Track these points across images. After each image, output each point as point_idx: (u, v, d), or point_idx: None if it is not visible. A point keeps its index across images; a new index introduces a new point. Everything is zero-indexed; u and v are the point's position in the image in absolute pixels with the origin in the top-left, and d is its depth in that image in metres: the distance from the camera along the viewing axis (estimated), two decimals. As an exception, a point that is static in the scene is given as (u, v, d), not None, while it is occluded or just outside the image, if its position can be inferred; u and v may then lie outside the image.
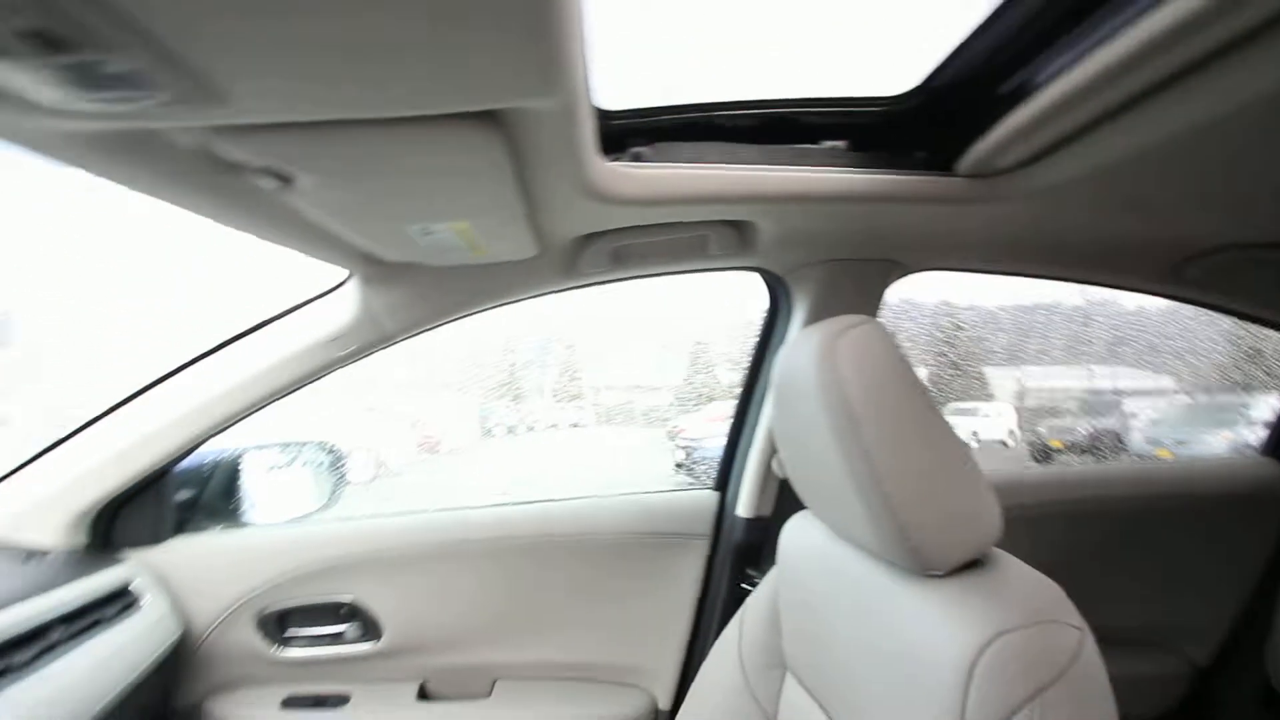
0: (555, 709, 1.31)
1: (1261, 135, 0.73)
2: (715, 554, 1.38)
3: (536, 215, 0.84)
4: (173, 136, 0.55)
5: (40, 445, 1.13)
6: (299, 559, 1.27)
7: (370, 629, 1.31)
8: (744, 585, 1.31)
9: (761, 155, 0.89)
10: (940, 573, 0.64)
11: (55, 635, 0.92)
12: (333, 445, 1.34)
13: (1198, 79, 0.60)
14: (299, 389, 1.17)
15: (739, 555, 1.33)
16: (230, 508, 1.28)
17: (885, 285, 1.22)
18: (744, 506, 1.33)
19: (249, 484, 1.29)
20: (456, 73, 0.46)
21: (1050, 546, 0.85)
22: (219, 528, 1.29)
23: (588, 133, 0.66)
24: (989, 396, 6.63)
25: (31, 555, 1.05)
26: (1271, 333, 1.47)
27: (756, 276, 1.29)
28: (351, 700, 1.29)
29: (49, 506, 1.10)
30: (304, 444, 1.33)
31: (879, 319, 1.19)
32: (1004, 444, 6.18)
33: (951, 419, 0.68)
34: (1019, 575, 0.65)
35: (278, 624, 1.29)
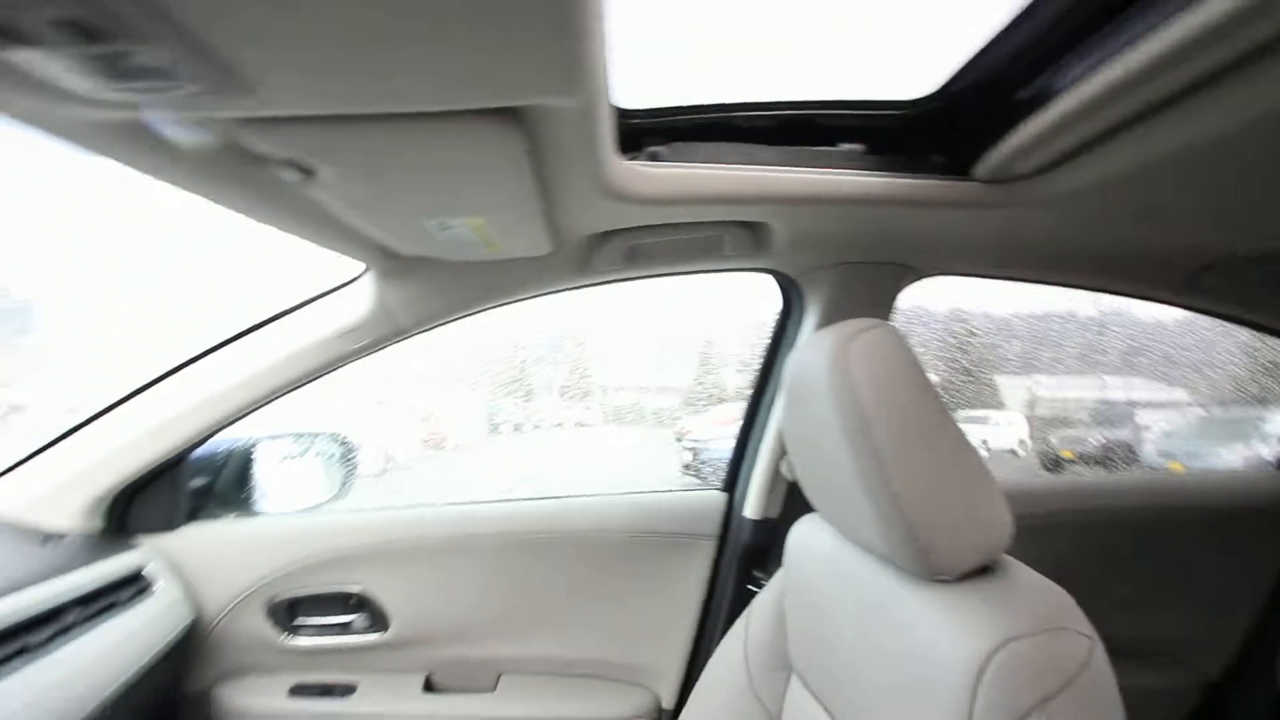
0: (559, 705, 1.31)
1: None
2: (722, 555, 1.39)
3: (552, 212, 0.85)
4: (198, 127, 0.56)
5: (58, 430, 1.14)
6: (309, 549, 1.29)
7: (378, 620, 1.32)
8: (750, 587, 1.31)
9: (778, 157, 0.89)
10: (949, 578, 0.64)
11: (70, 617, 0.94)
12: (344, 437, 1.35)
13: (1217, 88, 0.60)
14: (313, 380, 1.19)
15: (746, 556, 1.33)
16: (243, 496, 1.29)
17: (898, 289, 1.22)
18: (752, 508, 1.33)
19: (262, 473, 1.30)
20: (481, 69, 0.46)
21: (1059, 556, 0.85)
22: (231, 516, 1.30)
23: (606, 131, 0.66)
24: (1000, 405, 6.58)
25: (49, 538, 1.07)
26: (1290, 345, 1.45)
27: (769, 278, 1.29)
28: (358, 690, 1.30)
29: (66, 491, 1.12)
30: (316, 435, 1.35)
31: (891, 323, 1.19)
32: (1014, 453, 6.12)
33: (962, 427, 0.68)
34: (1029, 582, 0.64)
35: (287, 612, 1.30)
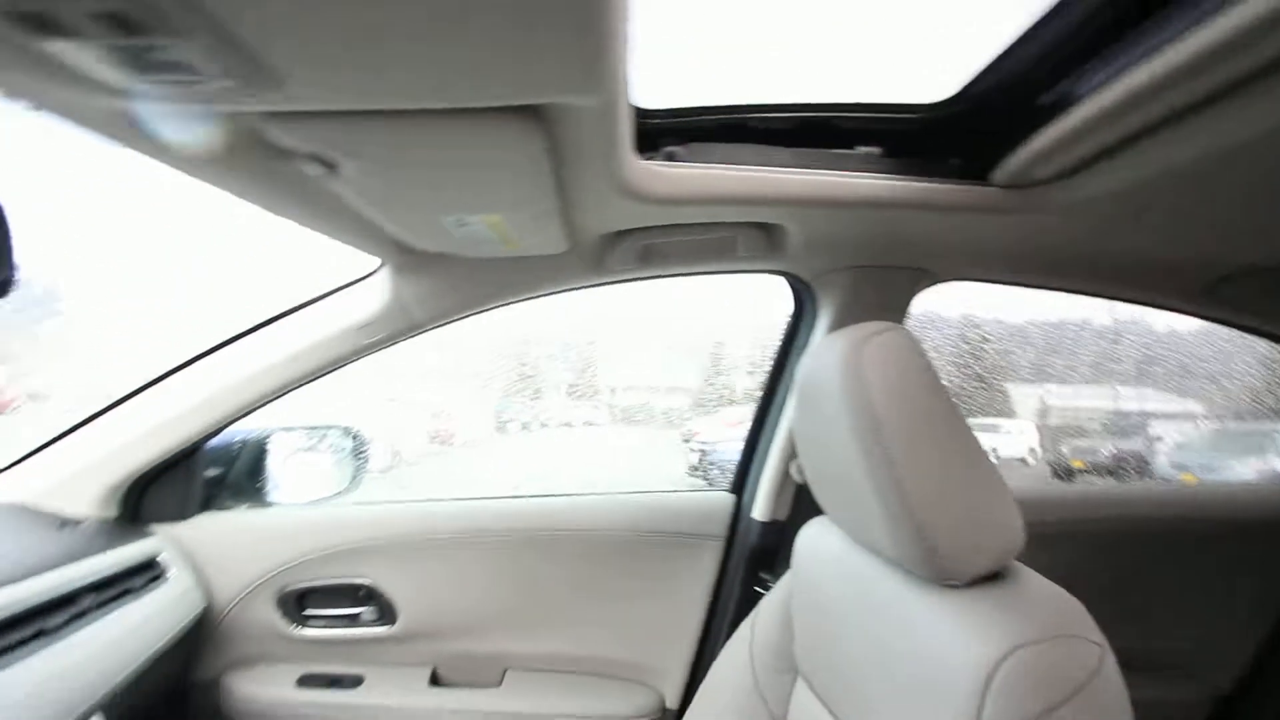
0: (564, 702, 1.32)
1: None
2: (729, 556, 1.38)
3: (569, 211, 0.85)
4: (225, 120, 0.57)
5: (77, 418, 1.16)
6: (320, 540, 1.30)
7: (386, 612, 1.33)
8: (757, 588, 1.31)
9: (794, 158, 0.89)
10: (959, 583, 0.64)
11: (86, 602, 0.95)
12: (356, 431, 1.37)
13: (1238, 97, 0.59)
14: (328, 374, 1.20)
15: (753, 558, 1.33)
16: (256, 487, 1.31)
17: (913, 293, 1.21)
18: (760, 510, 1.33)
19: (274, 465, 1.32)
20: (506, 66, 0.47)
21: (1070, 565, 0.84)
22: (244, 506, 1.32)
23: (625, 131, 0.67)
24: (1010, 413, 6.54)
25: (65, 524, 1.08)
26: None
27: (782, 280, 1.29)
28: (365, 682, 1.31)
29: (83, 478, 1.13)
30: (329, 428, 1.36)
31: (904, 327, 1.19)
32: (1024, 462, 6.08)
33: (971, 433, 0.67)
34: (1039, 589, 0.64)
35: (297, 603, 1.32)
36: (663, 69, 0.80)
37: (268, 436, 1.32)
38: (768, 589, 0.99)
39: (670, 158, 0.86)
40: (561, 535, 1.35)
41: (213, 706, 1.28)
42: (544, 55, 0.46)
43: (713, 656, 1.02)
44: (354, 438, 1.36)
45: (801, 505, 1.32)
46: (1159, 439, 6.15)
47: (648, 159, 0.83)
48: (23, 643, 0.82)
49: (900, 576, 0.70)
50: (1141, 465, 5.78)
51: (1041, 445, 6.34)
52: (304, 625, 1.32)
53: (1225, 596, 1.45)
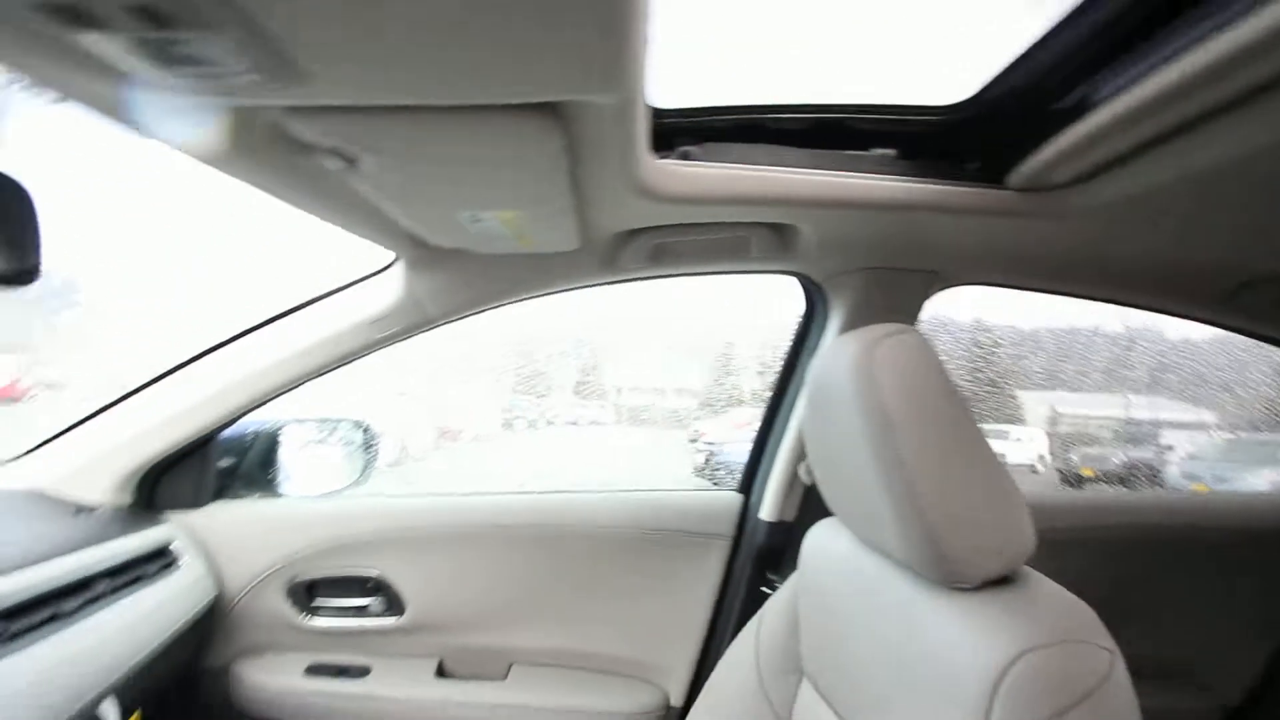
0: (568, 697, 1.32)
1: None
2: (736, 556, 1.39)
3: (583, 208, 0.86)
4: (249, 114, 0.58)
5: (93, 407, 1.18)
6: (330, 532, 1.31)
7: (394, 604, 1.34)
8: (763, 588, 1.31)
9: (809, 159, 0.89)
10: (969, 586, 0.64)
11: (100, 587, 0.96)
12: (367, 424, 1.38)
13: (1257, 104, 0.59)
14: (342, 366, 1.21)
15: (760, 558, 1.33)
16: (268, 477, 1.32)
17: (925, 296, 1.21)
18: (768, 510, 1.33)
19: (287, 456, 1.33)
20: (529, 64, 0.47)
21: (1080, 571, 0.83)
22: (256, 496, 1.33)
23: (641, 129, 0.67)
24: (1020, 419, 6.49)
25: (81, 510, 1.10)
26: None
27: (793, 281, 1.28)
28: (372, 672, 1.32)
29: (99, 465, 1.15)
30: (340, 421, 1.37)
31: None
32: (1033, 469, 6.04)
33: (981, 439, 0.67)
34: (1050, 594, 0.64)
35: (306, 593, 1.33)
36: (679, 68, 0.80)
37: (280, 428, 1.34)
38: (774, 589, 0.99)
39: (685, 157, 0.86)
40: (569, 531, 1.36)
41: (222, 693, 1.30)
42: (567, 54, 0.46)
43: (717, 655, 1.02)
44: (365, 431, 1.37)
45: (809, 507, 1.32)
46: (1171, 448, 6.10)
47: (663, 158, 0.83)
48: (39, 625, 0.83)
49: (909, 579, 0.70)
50: (1152, 474, 5.73)
51: (1051, 452, 6.30)
52: (313, 615, 1.33)
53: (1236, 606, 1.44)
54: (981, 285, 1.24)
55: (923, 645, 0.64)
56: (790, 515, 1.33)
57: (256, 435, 1.32)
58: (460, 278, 1.13)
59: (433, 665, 1.35)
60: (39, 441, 1.17)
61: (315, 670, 1.32)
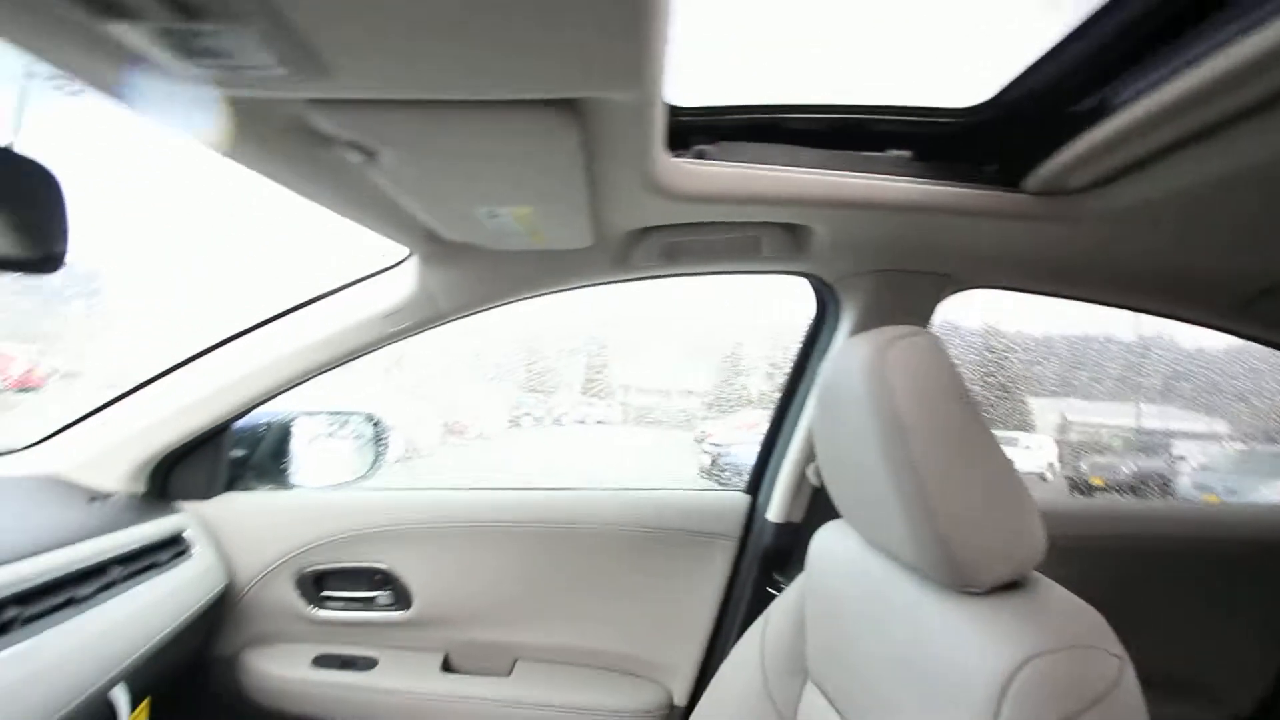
0: (572, 694, 1.33)
1: None
2: (742, 556, 1.38)
3: (597, 205, 0.86)
4: (271, 107, 0.59)
5: (109, 396, 1.19)
6: (340, 524, 1.32)
7: (401, 597, 1.35)
8: (769, 589, 1.31)
9: (824, 160, 0.89)
10: (978, 590, 0.63)
11: (114, 574, 0.97)
12: (378, 418, 1.39)
13: (1277, 110, 0.58)
14: (354, 359, 1.22)
15: (766, 559, 1.33)
16: (279, 469, 1.34)
17: (938, 299, 1.21)
18: (775, 511, 1.33)
19: (298, 448, 1.34)
20: (549, 60, 0.47)
21: (1089, 579, 0.83)
22: (267, 487, 1.34)
23: (658, 128, 0.67)
24: (1029, 426, 6.44)
25: (95, 497, 1.11)
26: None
27: (804, 282, 1.28)
28: (379, 665, 1.33)
29: (114, 454, 1.17)
30: (351, 414, 1.38)
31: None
32: (1042, 477, 5.99)
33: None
34: (1059, 599, 0.63)
35: (315, 584, 1.34)
36: (696, 67, 0.80)
37: (292, 420, 1.35)
38: (780, 590, 0.99)
39: (700, 156, 0.86)
40: (576, 529, 1.36)
41: (231, 682, 1.31)
42: (588, 51, 0.47)
43: (722, 655, 1.02)
44: (375, 424, 1.38)
45: (817, 508, 1.32)
46: (1182, 458, 6.03)
47: (678, 156, 0.83)
48: (54, 610, 0.84)
49: (918, 582, 0.69)
50: (1164, 485, 5.67)
51: (1060, 460, 6.25)
52: (321, 606, 1.34)
53: (1247, 617, 1.42)
54: (995, 289, 1.23)
55: (930, 648, 0.64)
56: (797, 517, 1.33)
57: (269, 427, 1.34)
58: (473, 273, 1.14)
59: (438, 659, 1.36)
60: (55, 429, 1.18)
61: (322, 661, 1.33)
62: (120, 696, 0.91)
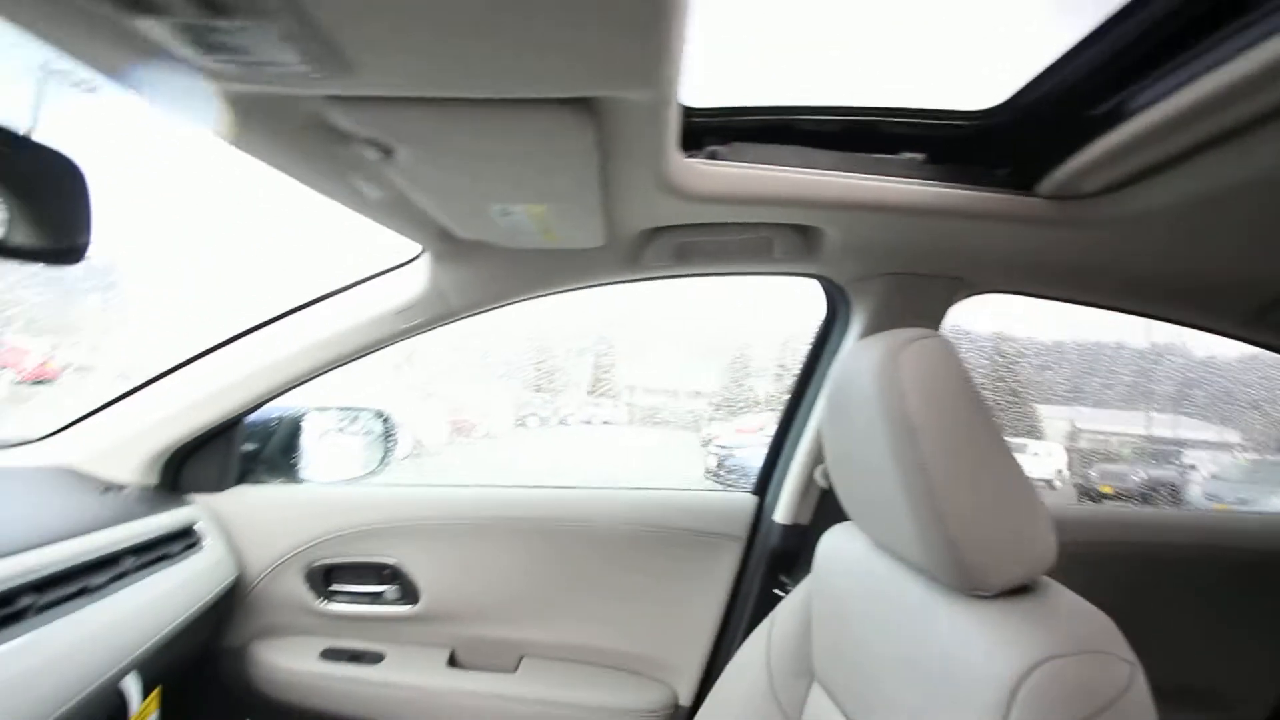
0: (577, 692, 1.33)
1: None
2: (749, 557, 1.38)
3: (610, 204, 0.86)
4: (289, 103, 0.59)
5: (123, 388, 1.21)
6: (349, 518, 1.33)
7: (409, 593, 1.36)
8: (775, 591, 1.31)
9: (837, 161, 0.89)
10: (988, 593, 0.63)
11: (126, 564, 0.98)
12: (388, 414, 1.40)
13: None
14: (366, 355, 1.23)
15: (773, 561, 1.33)
16: (290, 463, 1.35)
17: (950, 303, 1.20)
18: (782, 513, 1.33)
19: (309, 443, 1.35)
20: (567, 59, 0.48)
21: (1098, 586, 0.82)
22: (278, 481, 1.35)
23: (672, 128, 0.67)
24: (1039, 433, 6.40)
25: (109, 488, 1.13)
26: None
27: (815, 284, 1.28)
28: (385, 659, 1.34)
29: (126, 446, 1.18)
30: (361, 410, 1.39)
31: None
32: (1050, 484, 5.95)
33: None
34: (1070, 604, 0.63)
35: (324, 578, 1.35)
36: (710, 67, 0.80)
37: (303, 415, 1.36)
38: (786, 592, 0.99)
39: (713, 156, 0.86)
40: (583, 527, 1.37)
41: (240, 673, 1.32)
42: (606, 51, 0.47)
43: (728, 656, 1.02)
44: (385, 421, 1.39)
45: (824, 510, 1.32)
46: (1193, 467, 5.97)
47: (691, 157, 0.84)
48: (68, 599, 0.85)
49: (926, 584, 0.69)
50: (1174, 494, 5.62)
51: (1069, 468, 6.20)
52: (329, 600, 1.35)
53: (1259, 626, 1.41)
54: (1007, 293, 1.22)
55: (938, 651, 0.63)
56: (805, 519, 1.32)
57: (280, 421, 1.35)
58: (485, 271, 1.14)
59: (445, 655, 1.37)
60: (69, 421, 1.20)
61: (330, 654, 1.34)
62: (131, 685, 0.92)
